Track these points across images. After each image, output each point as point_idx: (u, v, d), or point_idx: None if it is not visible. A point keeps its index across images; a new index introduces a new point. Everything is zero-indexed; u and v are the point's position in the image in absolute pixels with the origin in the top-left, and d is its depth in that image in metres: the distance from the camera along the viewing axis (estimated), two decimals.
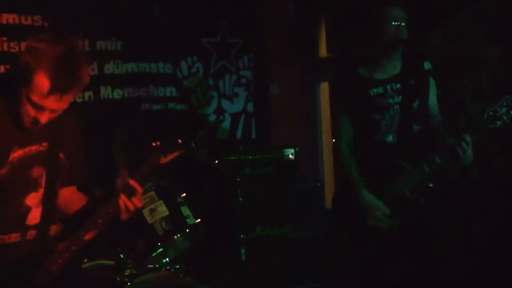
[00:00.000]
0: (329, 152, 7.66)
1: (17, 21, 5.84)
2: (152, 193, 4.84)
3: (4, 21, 5.78)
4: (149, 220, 4.80)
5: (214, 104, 7.26)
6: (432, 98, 4.56)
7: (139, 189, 3.51)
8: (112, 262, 4.72)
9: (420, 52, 4.74)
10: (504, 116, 4.15)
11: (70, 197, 3.71)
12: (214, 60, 7.23)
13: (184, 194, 5.04)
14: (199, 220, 5.00)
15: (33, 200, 3.41)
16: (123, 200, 3.49)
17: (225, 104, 7.34)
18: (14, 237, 3.37)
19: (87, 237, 3.45)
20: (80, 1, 6.13)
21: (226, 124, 7.35)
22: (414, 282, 4.42)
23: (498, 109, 4.15)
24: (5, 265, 3.31)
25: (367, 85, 4.50)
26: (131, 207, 3.51)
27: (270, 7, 7.59)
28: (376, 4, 4.60)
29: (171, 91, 6.87)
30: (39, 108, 3.23)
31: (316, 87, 7.89)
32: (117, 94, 6.40)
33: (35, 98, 3.19)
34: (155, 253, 4.85)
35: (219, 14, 7.26)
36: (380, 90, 4.48)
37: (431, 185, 4.41)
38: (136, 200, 3.52)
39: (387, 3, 4.54)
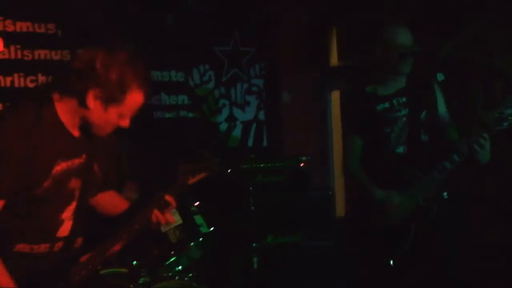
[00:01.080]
0: (340, 160, 7.66)
1: (30, 29, 5.86)
2: None
3: (18, 29, 5.79)
4: (163, 228, 4.82)
5: (225, 112, 7.28)
6: (441, 107, 4.61)
7: (173, 204, 3.60)
8: (125, 270, 4.74)
9: (428, 64, 4.78)
10: (510, 117, 4.19)
11: (111, 200, 3.74)
12: (226, 69, 7.26)
13: (198, 203, 5.06)
14: (212, 228, 5.03)
15: (67, 213, 3.39)
16: (156, 214, 3.54)
17: (237, 112, 7.36)
18: (44, 247, 3.34)
19: (111, 251, 3.48)
20: (93, 9, 6.15)
21: (237, 132, 7.36)
22: None
23: (504, 110, 4.20)
24: (31, 275, 3.31)
25: (374, 102, 4.57)
26: (163, 221, 3.57)
27: (282, 16, 7.62)
28: (387, 17, 4.63)
29: (183, 99, 6.89)
30: (125, 117, 3.27)
31: (327, 95, 7.91)
32: None
33: (128, 113, 3.23)
34: (168, 262, 4.87)
35: (231, 23, 7.29)
36: (387, 105, 4.54)
37: (445, 194, 4.44)
38: (169, 215, 3.62)
39: (398, 20, 4.59)
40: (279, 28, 7.63)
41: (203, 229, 4.99)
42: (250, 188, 5.82)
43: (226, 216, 5.87)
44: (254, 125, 7.51)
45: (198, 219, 4.99)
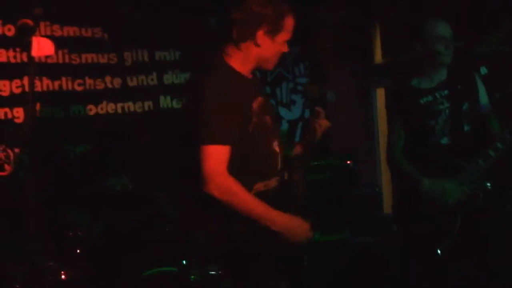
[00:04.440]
0: None
1: (77, 34, 5.95)
2: None
3: (65, 34, 5.89)
4: None
5: None
6: (483, 98, 4.70)
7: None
8: (174, 269, 4.78)
9: (469, 57, 4.82)
10: None
11: None
12: None
13: None
14: None
15: (276, 147, 3.64)
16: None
17: (283, 111, 7.39)
18: (274, 181, 3.59)
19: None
20: (138, 14, 6.23)
21: (284, 130, 7.38)
22: (475, 278, 4.52)
23: None
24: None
25: (418, 95, 4.68)
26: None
27: (324, 14, 7.62)
28: (427, 13, 4.67)
29: None
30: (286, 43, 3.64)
31: (372, 93, 7.90)
32: (177, 103, 6.48)
33: (288, 36, 3.62)
34: None
35: None
36: (430, 98, 4.65)
37: (489, 185, 4.47)
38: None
39: (437, 15, 4.66)
40: (323, 26, 7.63)
41: None
42: None
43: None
44: (300, 124, 7.53)
45: None
